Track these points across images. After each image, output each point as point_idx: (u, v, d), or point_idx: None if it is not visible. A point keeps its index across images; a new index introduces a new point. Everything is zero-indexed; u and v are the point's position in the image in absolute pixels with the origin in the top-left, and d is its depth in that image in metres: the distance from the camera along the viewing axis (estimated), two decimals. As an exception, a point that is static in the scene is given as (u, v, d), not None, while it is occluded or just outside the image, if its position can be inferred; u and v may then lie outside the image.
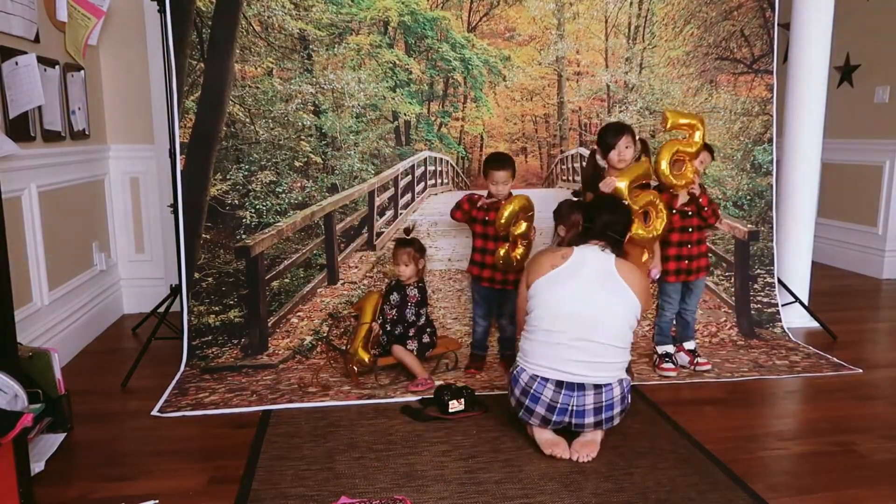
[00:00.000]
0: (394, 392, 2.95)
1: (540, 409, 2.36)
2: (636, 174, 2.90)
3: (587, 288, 2.38)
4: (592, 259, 2.43)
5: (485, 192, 3.17)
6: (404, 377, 3.08)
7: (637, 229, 2.88)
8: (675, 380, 3.14)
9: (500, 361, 3.31)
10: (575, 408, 2.34)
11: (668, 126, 2.99)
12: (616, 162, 2.95)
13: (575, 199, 3.26)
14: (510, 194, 3.09)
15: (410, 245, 3.12)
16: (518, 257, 3.02)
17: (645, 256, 3.05)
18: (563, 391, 2.33)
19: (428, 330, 3.15)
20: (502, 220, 2.93)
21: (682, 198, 3.09)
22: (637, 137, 3.08)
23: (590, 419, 2.35)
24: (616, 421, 2.43)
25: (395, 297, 3.14)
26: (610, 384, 2.36)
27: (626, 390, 2.41)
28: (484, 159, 3.23)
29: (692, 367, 3.24)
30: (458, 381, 3.01)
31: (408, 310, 3.11)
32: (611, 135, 2.95)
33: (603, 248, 2.46)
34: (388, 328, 3.12)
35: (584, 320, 2.35)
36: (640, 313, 2.44)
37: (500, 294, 3.19)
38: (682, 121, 2.99)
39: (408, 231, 3.24)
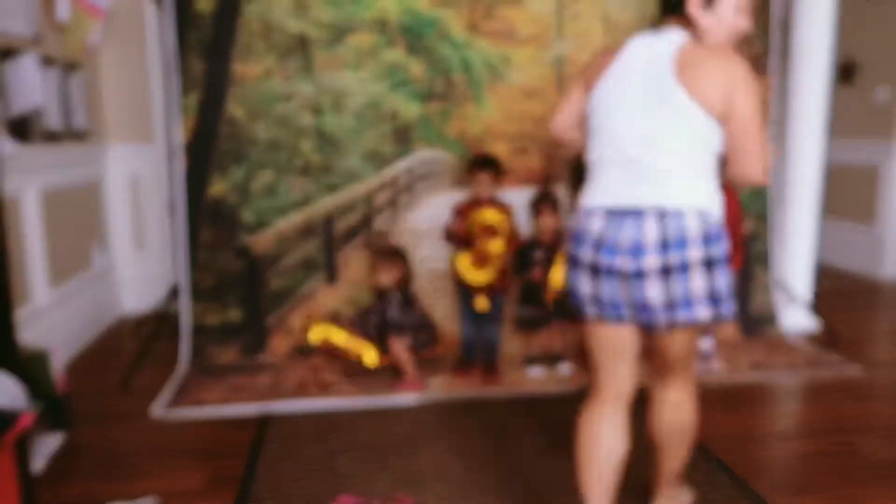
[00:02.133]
0: (379, 390, 2.94)
1: (587, 252, 1.71)
2: None
3: (632, 98, 1.70)
4: (640, 55, 1.72)
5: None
6: (394, 377, 3.05)
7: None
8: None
9: (479, 364, 3.19)
10: (628, 240, 1.64)
11: None
12: None
13: None
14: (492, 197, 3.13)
15: (386, 255, 3.12)
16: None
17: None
18: (612, 220, 1.69)
19: (426, 330, 3.13)
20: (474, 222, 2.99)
21: None
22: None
23: (651, 257, 1.62)
24: (708, 286, 1.64)
25: (379, 303, 3.11)
26: (681, 211, 1.63)
27: (713, 232, 1.65)
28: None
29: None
30: (455, 381, 3.00)
31: (388, 312, 3.05)
32: None
33: (658, 33, 1.72)
34: (376, 328, 3.07)
35: (634, 141, 1.69)
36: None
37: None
38: None
39: (378, 236, 3.19)
